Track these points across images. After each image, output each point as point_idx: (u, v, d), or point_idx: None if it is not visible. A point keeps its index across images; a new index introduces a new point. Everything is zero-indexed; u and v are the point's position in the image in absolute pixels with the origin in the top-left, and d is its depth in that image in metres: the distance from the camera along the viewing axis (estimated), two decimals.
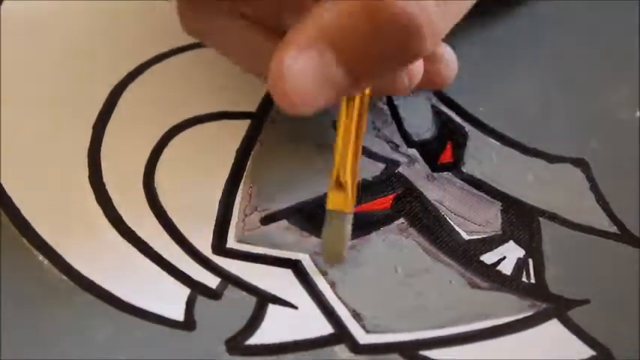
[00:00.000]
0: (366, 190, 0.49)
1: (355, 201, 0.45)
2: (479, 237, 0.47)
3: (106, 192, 0.48)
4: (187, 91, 0.52)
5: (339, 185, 0.44)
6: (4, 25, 0.54)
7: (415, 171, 0.50)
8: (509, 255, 0.47)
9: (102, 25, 0.54)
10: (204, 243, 0.47)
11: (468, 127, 0.51)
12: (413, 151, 0.50)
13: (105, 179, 0.49)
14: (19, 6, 0.55)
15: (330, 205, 0.44)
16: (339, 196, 0.44)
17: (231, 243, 0.47)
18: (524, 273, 0.46)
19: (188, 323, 0.44)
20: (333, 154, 0.44)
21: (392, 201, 0.49)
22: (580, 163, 0.50)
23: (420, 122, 0.51)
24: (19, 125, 0.50)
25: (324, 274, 0.46)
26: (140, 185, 0.48)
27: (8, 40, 0.53)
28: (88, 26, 0.54)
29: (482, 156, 0.50)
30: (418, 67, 0.45)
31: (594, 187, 0.49)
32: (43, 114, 0.51)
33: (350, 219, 0.44)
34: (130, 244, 0.47)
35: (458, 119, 0.52)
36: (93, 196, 0.48)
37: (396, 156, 0.50)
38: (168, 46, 0.53)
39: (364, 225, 0.47)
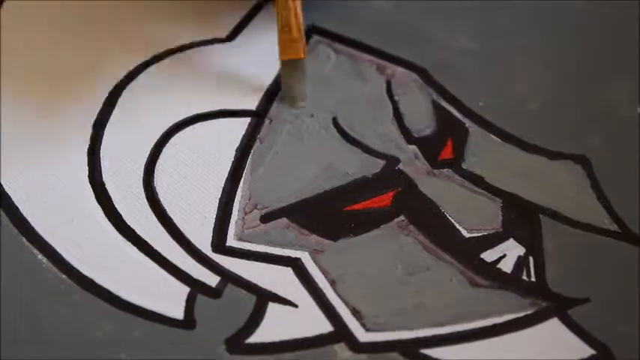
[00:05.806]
0: (366, 187, 0.49)
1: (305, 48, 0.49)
2: (479, 234, 0.47)
3: (105, 191, 0.48)
4: (187, 90, 0.52)
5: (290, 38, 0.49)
6: (4, 25, 0.54)
7: (415, 167, 0.50)
8: (509, 253, 0.47)
9: (101, 25, 0.54)
10: (203, 241, 0.47)
11: (468, 123, 0.51)
12: (413, 148, 0.50)
13: (105, 178, 0.49)
14: (20, 6, 0.55)
15: (284, 55, 0.49)
16: (291, 46, 0.49)
17: (231, 241, 0.47)
18: (525, 271, 0.46)
19: (188, 322, 0.44)
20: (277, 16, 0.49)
21: (392, 198, 0.48)
22: (581, 159, 0.49)
23: (421, 118, 0.51)
24: (18, 124, 0.50)
25: (324, 272, 0.46)
26: (140, 184, 0.48)
27: (8, 39, 0.53)
28: (88, 27, 0.54)
29: (483, 152, 0.50)
30: None
31: (595, 185, 0.49)
32: (43, 113, 0.51)
33: (304, 64, 0.50)
34: (129, 243, 0.47)
35: (459, 115, 0.51)
36: (93, 195, 0.48)
37: (396, 152, 0.50)
38: (166, 46, 0.53)
39: (364, 222, 0.47)
